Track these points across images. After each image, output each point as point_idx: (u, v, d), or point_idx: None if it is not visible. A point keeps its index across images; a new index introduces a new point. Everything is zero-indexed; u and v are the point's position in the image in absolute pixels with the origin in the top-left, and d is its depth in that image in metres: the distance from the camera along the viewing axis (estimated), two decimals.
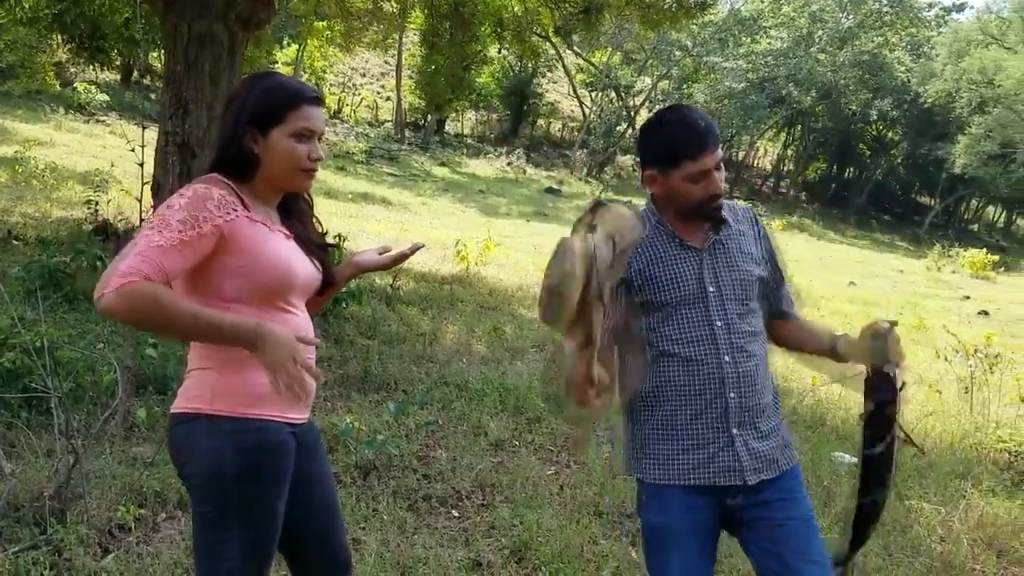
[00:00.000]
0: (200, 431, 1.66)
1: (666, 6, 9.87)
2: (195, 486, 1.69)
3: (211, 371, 1.69)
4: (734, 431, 1.93)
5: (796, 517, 1.94)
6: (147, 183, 3.47)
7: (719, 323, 1.94)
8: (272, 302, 1.72)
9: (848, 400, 5.60)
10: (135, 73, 26.67)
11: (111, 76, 24.81)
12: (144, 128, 3.38)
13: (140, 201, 3.23)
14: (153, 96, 23.21)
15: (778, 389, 2.09)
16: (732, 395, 1.93)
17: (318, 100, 1.78)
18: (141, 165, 3.02)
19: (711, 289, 1.96)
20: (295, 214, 1.87)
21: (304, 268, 1.79)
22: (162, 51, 8.70)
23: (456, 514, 3.50)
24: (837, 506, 3.94)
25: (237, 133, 1.72)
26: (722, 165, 1.93)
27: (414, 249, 2.09)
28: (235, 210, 1.65)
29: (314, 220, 1.95)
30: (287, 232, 1.80)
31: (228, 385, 1.68)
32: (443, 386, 5.14)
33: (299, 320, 1.79)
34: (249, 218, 1.69)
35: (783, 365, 6.91)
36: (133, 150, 2.98)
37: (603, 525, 3.48)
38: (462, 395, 5.00)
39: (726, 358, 1.93)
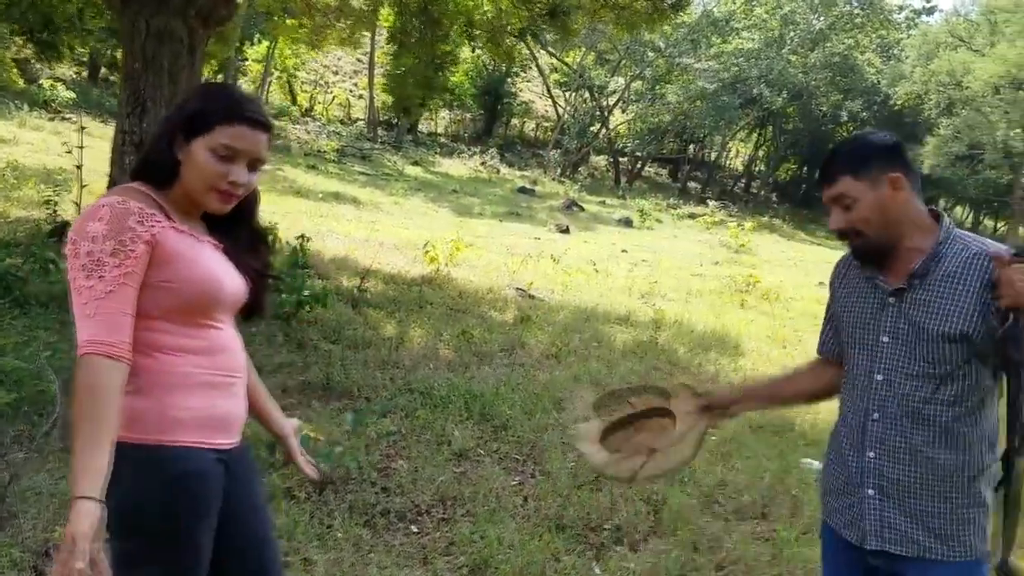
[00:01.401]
0: (116, 461, 1.52)
1: (640, 8, 9.80)
2: (111, 520, 1.55)
3: (129, 395, 1.53)
4: (869, 491, 1.74)
5: None
6: (86, 186, 3.32)
7: (879, 377, 1.73)
8: (197, 319, 1.61)
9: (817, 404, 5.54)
10: (103, 69, 26.21)
11: (77, 72, 24.37)
12: (83, 129, 3.22)
13: (78, 205, 3.08)
14: (119, 93, 22.80)
15: (977, 480, 1.70)
16: (871, 455, 1.75)
17: (261, 124, 1.62)
18: (79, 167, 2.88)
19: (884, 339, 1.73)
20: (234, 240, 1.73)
21: (232, 282, 1.67)
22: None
23: (415, 529, 3.38)
24: (804, 516, 3.88)
25: (164, 135, 1.62)
26: (848, 202, 1.70)
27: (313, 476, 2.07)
28: (158, 221, 1.54)
29: (264, 255, 1.81)
30: (216, 243, 1.68)
31: (145, 410, 1.55)
32: (407, 393, 5.00)
33: (227, 336, 1.68)
34: (175, 228, 1.57)
35: (751, 367, 6.87)
36: (70, 151, 2.85)
37: (566, 540, 3.38)
38: (427, 402, 4.87)
39: (874, 415, 1.74)
